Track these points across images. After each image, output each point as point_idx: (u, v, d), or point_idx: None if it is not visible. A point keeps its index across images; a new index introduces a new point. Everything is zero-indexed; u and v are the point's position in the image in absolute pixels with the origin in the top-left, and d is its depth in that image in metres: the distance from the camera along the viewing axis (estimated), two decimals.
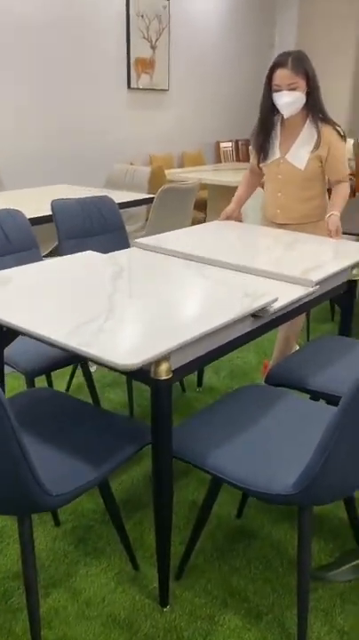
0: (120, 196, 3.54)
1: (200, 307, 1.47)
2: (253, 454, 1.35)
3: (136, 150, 5.64)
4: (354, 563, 1.61)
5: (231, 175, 4.89)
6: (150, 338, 1.29)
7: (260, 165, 2.48)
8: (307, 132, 2.30)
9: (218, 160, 6.74)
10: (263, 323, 1.60)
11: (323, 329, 3.44)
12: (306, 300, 1.72)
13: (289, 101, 2.20)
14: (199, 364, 1.40)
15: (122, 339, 1.28)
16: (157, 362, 1.26)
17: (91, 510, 1.87)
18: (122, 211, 2.77)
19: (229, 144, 6.88)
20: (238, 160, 7.03)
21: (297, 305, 1.69)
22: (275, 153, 2.37)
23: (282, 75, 2.18)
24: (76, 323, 1.36)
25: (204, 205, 5.25)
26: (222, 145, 6.74)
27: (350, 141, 9.59)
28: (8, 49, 4.31)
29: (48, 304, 1.50)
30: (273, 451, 1.37)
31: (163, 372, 1.26)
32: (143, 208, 3.95)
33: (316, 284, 1.71)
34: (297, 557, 1.34)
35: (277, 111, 2.29)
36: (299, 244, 2.15)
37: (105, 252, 2.16)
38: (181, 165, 6.16)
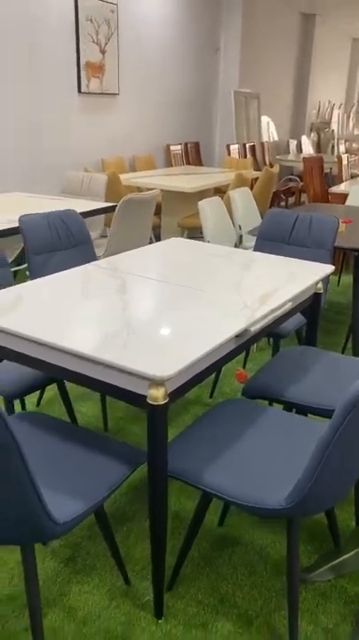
0: (80, 205, 3.55)
1: (199, 325, 1.54)
2: (244, 470, 1.43)
3: (88, 155, 5.62)
4: (332, 563, 1.72)
5: (184, 180, 4.97)
6: (175, 350, 1.40)
7: None
8: None
9: (168, 163, 6.80)
10: (242, 342, 1.68)
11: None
12: (278, 317, 1.82)
13: None
14: (192, 385, 1.46)
15: (147, 352, 1.39)
16: (156, 386, 1.31)
17: (77, 527, 1.90)
18: None
19: (179, 147, 6.96)
20: (188, 163, 7.11)
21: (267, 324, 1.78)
22: None
23: None
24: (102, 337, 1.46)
25: (159, 209, 5.30)
26: (172, 148, 6.80)
27: (293, 142, 9.89)
28: None
29: (68, 320, 1.58)
30: (262, 466, 1.45)
31: (161, 397, 1.32)
32: (101, 215, 3.96)
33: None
34: (286, 562, 1.43)
35: None
36: (255, 264, 2.21)
37: (73, 266, 2.19)
38: (133, 169, 6.18)
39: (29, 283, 1.92)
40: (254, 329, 1.63)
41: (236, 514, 1.97)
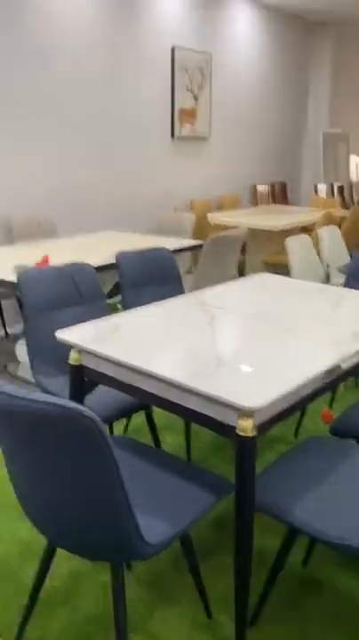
0: (171, 243, 3.69)
1: (292, 357, 1.56)
2: (334, 508, 1.41)
3: (179, 196, 5.84)
4: None
5: (270, 219, 5.03)
6: (264, 382, 1.44)
7: None
8: None
9: (254, 202, 6.90)
10: (332, 378, 1.68)
11: None
12: None
13: None
14: (279, 419, 1.48)
15: (236, 383, 1.43)
16: (244, 417, 1.35)
17: (162, 554, 1.93)
18: None
19: (265, 187, 7.06)
20: (273, 202, 7.19)
21: None
22: None
23: None
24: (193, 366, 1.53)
25: (243, 247, 5.38)
26: (259, 188, 6.92)
27: None
28: (67, 103, 4.57)
29: (162, 349, 1.66)
30: (352, 504, 1.43)
31: (249, 428, 1.35)
32: (188, 252, 4.10)
33: None
34: None
35: None
36: (347, 301, 2.21)
37: (162, 299, 2.29)
38: (220, 207, 6.34)
39: (125, 313, 2.03)
40: (345, 365, 1.62)
41: (321, 554, 1.93)
